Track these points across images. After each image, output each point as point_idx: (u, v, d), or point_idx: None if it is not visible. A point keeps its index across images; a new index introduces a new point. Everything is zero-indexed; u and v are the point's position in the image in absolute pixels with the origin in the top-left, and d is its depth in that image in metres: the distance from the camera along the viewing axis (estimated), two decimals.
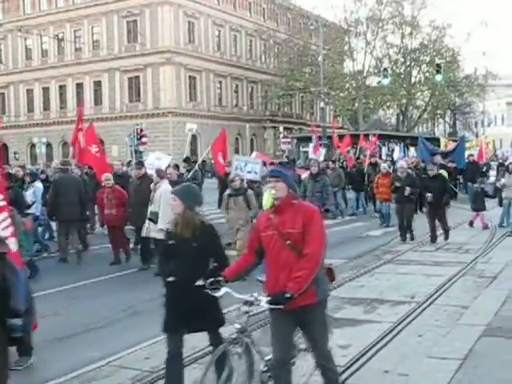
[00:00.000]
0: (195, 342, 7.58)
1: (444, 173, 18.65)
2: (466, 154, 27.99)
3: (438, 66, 43.49)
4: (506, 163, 17.08)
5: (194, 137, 57.27)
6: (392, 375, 6.20)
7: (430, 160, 24.13)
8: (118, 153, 53.44)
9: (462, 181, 28.56)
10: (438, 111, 71.31)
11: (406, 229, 15.41)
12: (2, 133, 64.16)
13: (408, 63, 61.89)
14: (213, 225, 5.70)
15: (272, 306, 4.70)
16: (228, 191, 12.33)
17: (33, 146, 59.81)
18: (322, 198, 13.57)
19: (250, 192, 12.14)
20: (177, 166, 16.73)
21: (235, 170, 14.61)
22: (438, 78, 45.21)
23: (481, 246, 14.12)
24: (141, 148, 39.24)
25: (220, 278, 4.99)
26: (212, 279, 4.95)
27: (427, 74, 61.03)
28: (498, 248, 14.04)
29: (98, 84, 59.81)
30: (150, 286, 9.72)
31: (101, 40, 59.31)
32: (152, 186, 11.95)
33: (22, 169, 16.14)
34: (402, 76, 61.15)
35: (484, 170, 28.59)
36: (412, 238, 15.43)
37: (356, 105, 62.27)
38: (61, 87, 61.93)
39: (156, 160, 16.24)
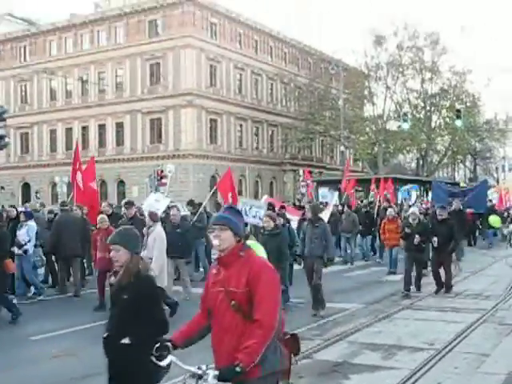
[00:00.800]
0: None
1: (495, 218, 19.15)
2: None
3: (458, 111, 43.63)
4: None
5: (213, 178, 57.75)
6: None
7: (449, 202, 24.07)
8: (138, 193, 53.77)
9: (480, 227, 28.05)
10: (458, 156, 71.19)
11: (410, 280, 14.35)
12: (25, 172, 65.01)
13: (428, 108, 62.06)
14: (150, 277, 4.92)
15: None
16: None
17: (54, 185, 60.37)
18: (322, 245, 12.41)
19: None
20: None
21: None
22: (458, 123, 45.34)
23: (501, 293, 13.95)
24: (161, 189, 39.41)
25: (167, 344, 4.17)
26: (158, 344, 4.12)
27: (447, 119, 61.10)
28: None
29: (120, 125, 60.46)
30: None
31: (124, 82, 60.13)
32: (145, 230, 11.42)
33: (14, 208, 16.33)
34: (422, 121, 61.26)
35: (505, 215, 28.41)
36: (418, 289, 14.57)
37: (376, 149, 62.39)
38: (83, 128, 62.67)
39: (155, 202, 16.14)
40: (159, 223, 11.81)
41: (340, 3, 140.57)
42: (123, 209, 15.08)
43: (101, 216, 13.79)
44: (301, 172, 59.55)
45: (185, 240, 13.68)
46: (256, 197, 57.24)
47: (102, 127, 61.66)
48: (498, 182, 65.86)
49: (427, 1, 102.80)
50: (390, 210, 19.02)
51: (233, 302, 4.05)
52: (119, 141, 60.59)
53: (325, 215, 20.51)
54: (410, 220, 14.74)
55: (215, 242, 4.20)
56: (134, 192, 54.83)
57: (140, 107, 58.09)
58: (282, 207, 18.83)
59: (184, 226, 14.42)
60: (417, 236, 14.09)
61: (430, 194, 36.13)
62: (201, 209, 18.60)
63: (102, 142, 61.51)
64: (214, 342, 4.22)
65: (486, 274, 17.57)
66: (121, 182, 58.83)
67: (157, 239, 10.94)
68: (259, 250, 5.30)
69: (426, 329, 10.30)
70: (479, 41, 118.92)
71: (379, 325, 10.96)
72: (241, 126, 63.19)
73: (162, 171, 40.14)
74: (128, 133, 59.80)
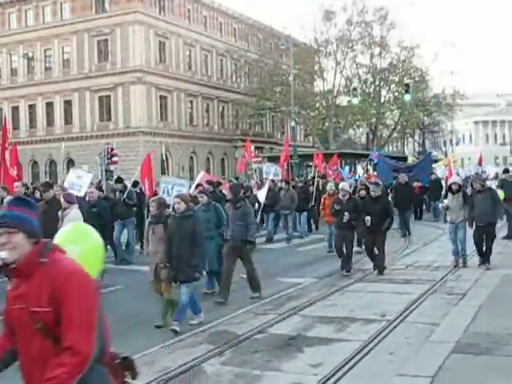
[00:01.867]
0: (166, 361, 7.58)
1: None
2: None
3: (407, 85, 44.19)
4: (449, 183, 14.99)
5: (164, 156, 57.33)
6: None
7: (394, 177, 24.03)
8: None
9: (427, 200, 28.60)
10: (408, 130, 72.20)
11: (346, 259, 13.62)
12: None
13: (377, 83, 62.58)
14: None
15: None
16: (148, 218, 11.01)
17: None
18: (244, 227, 11.36)
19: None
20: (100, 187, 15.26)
21: (162, 193, 13.69)
22: (407, 97, 45.92)
23: (450, 264, 14.24)
24: (111, 167, 39.01)
25: None
26: None
27: (396, 94, 61.75)
28: (468, 265, 14.17)
29: (68, 103, 59.46)
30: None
31: (71, 59, 59.05)
32: (60, 213, 10.75)
33: None
34: (372, 95, 61.79)
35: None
36: (348, 270, 13.49)
37: (326, 124, 62.74)
38: (30, 106, 61.47)
39: (76, 179, 15.06)
40: (75, 205, 11.10)
41: None
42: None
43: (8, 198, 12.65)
44: (252, 148, 59.53)
45: (102, 220, 12.74)
46: (208, 174, 57.14)
47: (49, 105, 60.54)
48: (446, 155, 66.92)
49: None
50: (329, 184, 18.33)
51: (38, 325, 3.12)
52: (68, 119, 59.62)
53: (261, 193, 20.34)
54: (340, 196, 13.94)
55: (1, 253, 3.16)
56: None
57: (88, 85, 57.16)
58: (219, 184, 18.27)
59: (100, 205, 13.89)
60: (345, 213, 13.31)
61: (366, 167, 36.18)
62: (129, 185, 17.57)
63: (49, 121, 60.46)
64: (23, 372, 3.30)
65: (435, 246, 17.90)
66: (70, 161, 57.98)
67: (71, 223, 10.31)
68: (82, 236, 3.78)
69: (378, 301, 10.48)
70: (428, 16, 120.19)
71: (332, 298, 11.11)
72: (191, 102, 62.78)
73: (112, 149, 39.67)
74: (76, 111, 58.85)
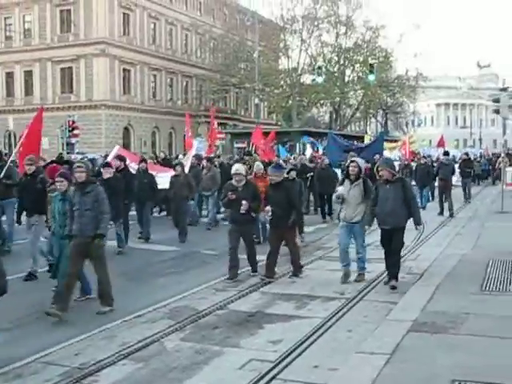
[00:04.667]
0: (125, 336, 7.58)
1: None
2: (385, 153, 27.96)
3: (371, 66, 44.43)
4: (346, 164, 11.35)
5: (126, 130, 56.80)
6: (322, 370, 6.31)
7: (344, 158, 23.48)
8: (48, 145, 52.32)
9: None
10: (371, 110, 72.68)
11: (236, 260, 11.07)
12: None
13: (342, 62, 62.70)
14: None
15: None
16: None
17: None
18: (95, 219, 8.94)
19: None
20: None
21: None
22: (371, 77, 46.23)
23: (409, 244, 14.41)
24: (72, 140, 38.59)
25: None
26: None
27: (360, 74, 61.97)
28: (426, 245, 14.38)
29: (28, 74, 58.36)
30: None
31: (32, 29, 57.87)
32: None
33: None
34: (336, 75, 61.92)
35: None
36: (254, 270, 11.37)
37: (290, 102, 62.74)
38: None
39: None
40: None
41: None
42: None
43: None
44: (215, 124, 59.29)
45: None
46: (170, 150, 56.85)
47: (9, 75, 59.34)
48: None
49: None
50: (256, 163, 15.48)
51: None
52: (28, 90, 58.55)
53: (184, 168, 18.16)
54: (234, 182, 11.18)
55: None
56: (44, 144, 53.05)
57: (50, 55, 56.14)
58: (143, 161, 16.93)
59: None
60: (243, 202, 10.78)
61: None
62: (9, 161, 14.78)
63: (9, 92, 59.33)
64: None
65: None
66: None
67: None
68: None
69: (338, 279, 10.57)
70: None
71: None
72: (155, 76, 62.13)
73: (73, 122, 39.21)
74: (37, 82, 57.81)
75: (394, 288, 9.71)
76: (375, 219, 10.22)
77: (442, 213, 20.98)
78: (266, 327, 7.98)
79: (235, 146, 40.71)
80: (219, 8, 69.01)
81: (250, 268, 11.46)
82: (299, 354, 6.81)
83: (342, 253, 10.74)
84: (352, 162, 10.60)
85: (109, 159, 17.02)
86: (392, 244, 9.97)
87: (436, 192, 23.60)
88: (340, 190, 10.64)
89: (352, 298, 9.29)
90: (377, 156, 24.24)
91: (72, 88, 56.56)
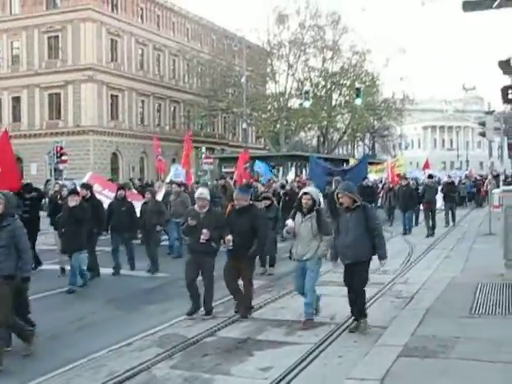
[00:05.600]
0: (113, 366, 7.51)
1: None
2: (372, 177, 27.87)
3: (358, 90, 44.70)
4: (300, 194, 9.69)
5: (115, 155, 56.77)
6: None
7: (328, 181, 21.58)
8: (36, 171, 52.27)
9: None
10: (358, 134, 73.11)
11: (207, 298, 10.17)
12: None
13: (329, 86, 63.09)
14: None
15: None
16: None
17: None
18: (14, 257, 7.78)
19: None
20: None
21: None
22: (358, 101, 46.59)
23: (398, 267, 14.44)
24: (60, 166, 38.50)
25: None
26: None
27: (347, 98, 62.37)
28: (415, 268, 14.40)
29: (16, 100, 58.35)
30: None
31: (20, 55, 57.97)
32: None
33: None
34: (323, 99, 62.30)
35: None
36: (208, 312, 10.09)
37: (278, 126, 62.98)
38: None
39: None
40: None
41: None
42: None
43: None
44: (203, 149, 59.42)
45: None
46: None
47: None
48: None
49: None
50: (236, 191, 14.81)
51: None
52: (16, 116, 58.48)
53: (158, 196, 17.95)
54: (197, 207, 10.27)
55: None
56: (32, 169, 53.27)
57: (38, 82, 56.18)
58: (120, 189, 15.89)
59: None
60: (204, 231, 9.78)
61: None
62: None
63: None
64: None
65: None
66: (18, 159, 56.84)
67: None
68: None
69: (327, 304, 10.52)
70: (379, 22, 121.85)
71: (282, 301, 11.14)
72: (143, 102, 62.25)
73: (61, 148, 39.13)
74: (25, 108, 57.77)
75: (362, 331, 8.73)
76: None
77: (429, 235, 21.36)
78: (257, 354, 7.93)
79: (223, 170, 40.72)
80: (206, 33, 69.44)
81: (227, 299, 10.71)
82: (290, 381, 6.78)
83: (298, 291, 9.64)
84: (305, 194, 9.33)
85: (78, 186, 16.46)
86: (353, 282, 8.91)
87: (421, 216, 23.56)
88: (289, 223, 9.40)
89: (342, 323, 9.27)
90: (364, 181, 24.37)
91: (60, 114, 56.55)
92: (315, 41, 60.65)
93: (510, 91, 19.80)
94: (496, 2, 16.46)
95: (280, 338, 8.67)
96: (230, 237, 9.72)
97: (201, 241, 9.77)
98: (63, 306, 11.31)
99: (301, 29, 59.70)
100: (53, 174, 38.04)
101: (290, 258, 9.70)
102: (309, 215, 9.20)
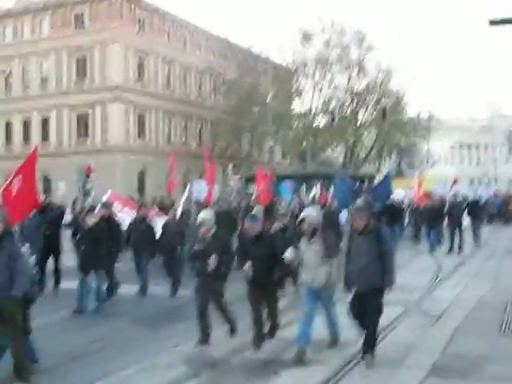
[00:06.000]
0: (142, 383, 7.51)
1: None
2: (399, 193, 27.05)
3: (384, 110, 44.51)
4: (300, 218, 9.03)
5: (142, 174, 57.12)
6: None
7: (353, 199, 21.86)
8: (65, 190, 52.73)
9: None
10: (384, 151, 72.78)
11: (206, 326, 9.51)
12: None
13: (355, 105, 63.01)
14: None
15: None
16: None
17: None
18: (11, 277, 7.64)
19: None
20: None
21: None
22: (384, 121, 46.45)
23: (426, 285, 14.30)
24: (88, 185, 38.84)
25: None
26: None
27: (373, 116, 62.20)
28: (443, 286, 14.25)
29: (45, 120, 59.12)
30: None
31: (49, 76, 58.85)
32: None
33: None
34: (349, 117, 62.19)
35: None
36: (203, 341, 9.41)
37: (304, 144, 62.94)
38: (7, 124, 61.07)
39: None
40: None
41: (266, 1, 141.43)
42: None
43: None
44: (230, 166, 59.55)
45: None
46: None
47: (26, 122, 60.16)
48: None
49: (353, 1, 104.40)
50: (257, 208, 14.68)
51: None
52: (45, 136, 59.22)
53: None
54: (203, 231, 9.63)
55: None
56: (60, 188, 53.77)
57: (66, 101, 56.91)
58: (142, 205, 16.01)
59: None
60: (213, 256, 9.20)
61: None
62: None
63: (26, 137, 60.01)
64: None
65: (411, 268, 17.98)
66: (46, 179, 57.52)
67: None
68: None
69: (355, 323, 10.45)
70: (403, 40, 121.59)
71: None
72: (169, 120, 62.67)
73: (89, 167, 39.53)
74: (54, 128, 58.52)
75: (369, 366, 8.01)
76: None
77: (451, 249, 21.60)
78: (283, 374, 7.88)
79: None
80: (232, 53, 69.84)
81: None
82: None
83: (303, 326, 8.72)
84: (305, 219, 8.71)
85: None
86: (367, 310, 8.28)
87: (446, 235, 23.01)
88: (288, 253, 8.79)
89: None
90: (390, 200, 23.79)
91: (87, 133, 57.18)
92: (340, 59, 60.72)
93: None
94: None
95: (306, 357, 8.60)
96: (248, 264, 9.07)
97: (210, 266, 9.17)
98: (86, 325, 11.34)
99: (326, 47, 59.84)
100: (81, 192, 38.39)
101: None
102: (313, 239, 8.66)
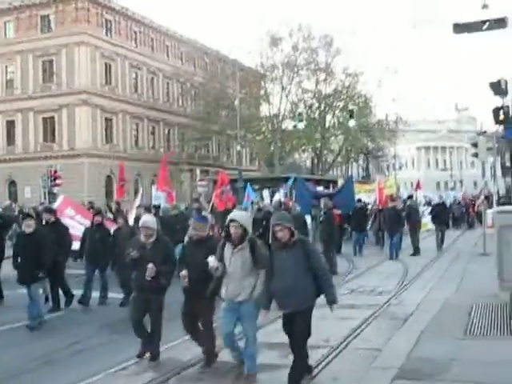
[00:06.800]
0: None
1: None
2: (362, 196, 27.03)
3: (351, 111, 44.95)
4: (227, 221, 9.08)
5: (109, 178, 56.75)
6: None
7: (313, 204, 21.79)
8: (30, 194, 52.22)
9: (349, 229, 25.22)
10: (352, 155, 73.27)
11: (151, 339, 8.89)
12: None
13: (322, 108, 63.35)
14: None
15: None
16: None
17: None
18: None
19: None
20: None
21: None
22: (351, 123, 46.77)
23: (392, 289, 14.44)
24: (54, 190, 38.51)
25: None
26: None
27: (341, 119, 62.57)
28: (410, 289, 14.40)
29: (11, 124, 58.44)
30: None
31: (15, 79, 58.20)
32: None
33: None
34: (317, 120, 62.48)
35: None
36: (154, 358, 8.76)
37: (272, 148, 63.11)
38: None
39: None
40: None
41: (233, 4, 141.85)
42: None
43: None
44: (197, 171, 59.42)
45: None
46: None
47: None
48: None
49: (320, 5, 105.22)
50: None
51: None
52: (10, 140, 58.53)
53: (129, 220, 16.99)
54: (142, 238, 8.81)
55: None
56: (26, 193, 53.25)
57: (32, 105, 56.34)
58: (98, 213, 15.04)
59: None
60: (150, 265, 8.43)
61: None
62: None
63: None
64: None
65: (379, 271, 18.13)
66: (12, 183, 56.88)
67: None
68: None
69: (322, 326, 10.47)
70: (371, 44, 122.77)
71: (276, 324, 11.07)
72: (137, 125, 62.45)
73: (55, 171, 39.19)
74: (20, 132, 57.90)
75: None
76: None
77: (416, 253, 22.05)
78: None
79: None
80: (200, 57, 69.76)
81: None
82: None
83: (225, 342, 7.89)
84: (232, 221, 7.46)
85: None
86: (294, 333, 7.32)
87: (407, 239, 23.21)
88: (211, 260, 7.62)
89: (337, 346, 9.23)
90: (358, 204, 23.99)
91: (54, 137, 56.68)
92: (308, 63, 61.00)
93: (501, 112, 19.95)
94: (486, 25, 16.65)
95: (275, 360, 8.60)
96: (184, 272, 8.09)
97: (147, 277, 8.41)
98: (51, 332, 11.21)
99: (294, 51, 60.09)
100: (47, 197, 38.05)
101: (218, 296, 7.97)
102: (240, 246, 7.44)
